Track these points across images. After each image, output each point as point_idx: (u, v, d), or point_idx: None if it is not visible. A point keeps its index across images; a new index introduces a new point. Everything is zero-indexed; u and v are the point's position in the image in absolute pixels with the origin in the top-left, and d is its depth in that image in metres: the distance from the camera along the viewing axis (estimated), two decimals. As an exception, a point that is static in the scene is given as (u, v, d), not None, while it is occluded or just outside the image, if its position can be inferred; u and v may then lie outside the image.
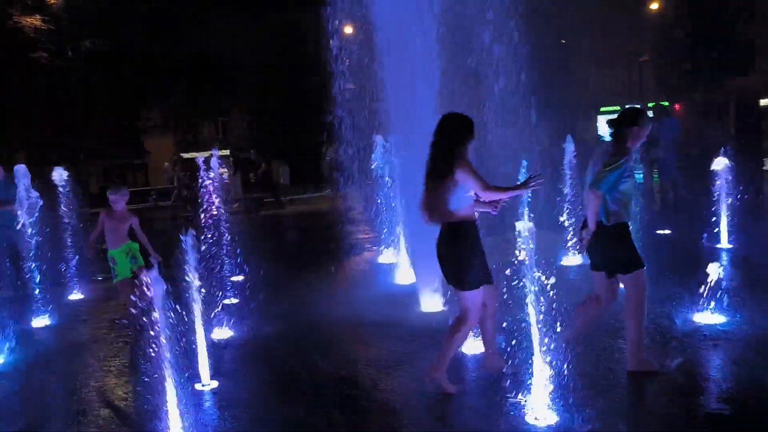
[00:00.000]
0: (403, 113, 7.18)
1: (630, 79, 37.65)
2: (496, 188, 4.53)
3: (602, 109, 38.96)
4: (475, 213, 4.65)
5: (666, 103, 38.04)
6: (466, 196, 4.53)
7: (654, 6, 32.88)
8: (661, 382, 4.76)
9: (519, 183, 5.24)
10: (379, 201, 9.28)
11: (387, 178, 8.89)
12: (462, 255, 4.53)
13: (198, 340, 5.25)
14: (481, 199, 4.59)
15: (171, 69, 31.63)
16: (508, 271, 4.26)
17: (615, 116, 4.90)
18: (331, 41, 8.23)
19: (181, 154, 34.36)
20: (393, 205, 8.96)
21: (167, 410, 4.08)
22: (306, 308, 7.79)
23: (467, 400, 4.77)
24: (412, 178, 5.58)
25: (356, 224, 12.98)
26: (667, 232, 10.69)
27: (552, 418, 4.09)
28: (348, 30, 8.74)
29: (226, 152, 36.62)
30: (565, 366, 4.14)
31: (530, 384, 4.18)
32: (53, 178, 8.87)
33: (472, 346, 5.44)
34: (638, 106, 5.05)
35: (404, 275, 8.53)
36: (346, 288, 8.75)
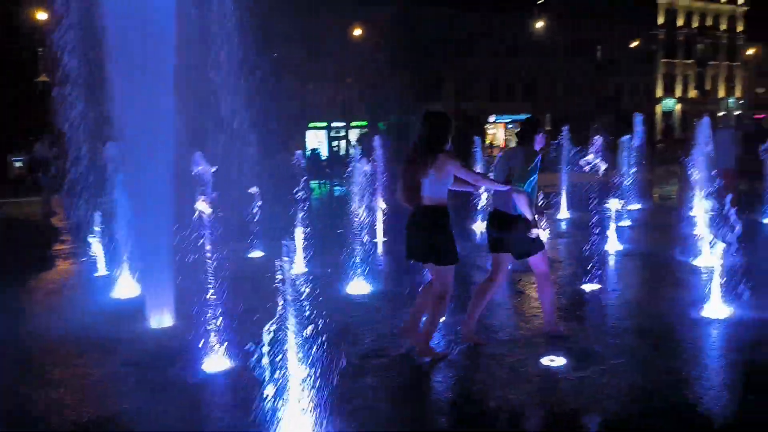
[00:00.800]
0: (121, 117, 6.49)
1: (336, 97, 40.10)
2: (486, 179, 5.37)
3: (311, 124, 40.96)
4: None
5: (365, 123, 41.85)
6: (447, 183, 5.01)
7: (358, 32, 35.70)
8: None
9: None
10: (100, 211, 8.36)
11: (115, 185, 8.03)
12: (443, 234, 5.02)
13: None
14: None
15: None
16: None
17: (521, 127, 5.61)
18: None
19: None
20: (116, 213, 8.08)
21: None
22: (8, 323, 6.64)
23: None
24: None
25: (67, 232, 11.59)
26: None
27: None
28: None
29: None
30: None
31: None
32: None
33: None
34: (535, 118, 5.83)
35: (126, 289, 7.79)
36: (54, 303, 7.70)
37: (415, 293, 5.65)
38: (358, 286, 7.65)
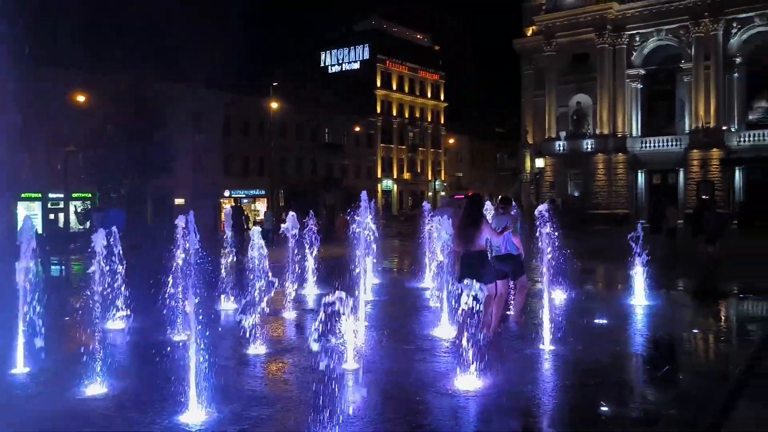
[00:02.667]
0: None
1: (55, 166, 36.81)
2: (498, 233, 8.45)
3: (23, 195, 36.76)
4: None
5: (89, 194, 39.03)
6: (485, 238, 8.19)
7: (81, 98, 33.60)
8: None
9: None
10: None
11: None
12: (486, 265, 8.22)
13: None
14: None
15: None
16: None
17: (506, 198, 9.58)
18: None
19: None
20: None
21: None
22: None
23: None
24: None
25: None
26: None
27: None
28: None
29: None
30: None
31: None
32: None
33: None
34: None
35: None
36: None
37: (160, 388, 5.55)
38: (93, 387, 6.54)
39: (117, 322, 9.45)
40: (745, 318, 11.01)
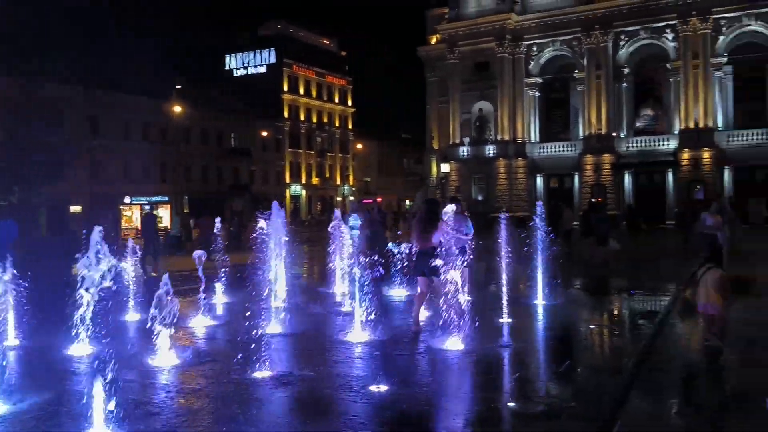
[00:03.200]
0: None
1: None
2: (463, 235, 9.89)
3: None
4: None
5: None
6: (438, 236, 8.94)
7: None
8: None
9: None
10: None
11: None
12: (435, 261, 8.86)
13: None
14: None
15: None
16: None
17: (457, 198, 10.45)
18: None
19: None
20: None
21: None
22: None
23: None
24: None
25: None
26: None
27: None
28: None
29: None
30: None
31: None
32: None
33: None
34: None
35: None
36: None
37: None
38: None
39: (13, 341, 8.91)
40: (636, 313, 11.78)
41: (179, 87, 45.89)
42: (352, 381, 6.93)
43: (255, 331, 7.61)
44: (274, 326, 9.52)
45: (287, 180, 71.24)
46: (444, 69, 51.08)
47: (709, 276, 8.14)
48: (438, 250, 8.91)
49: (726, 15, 41.63)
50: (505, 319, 9.82)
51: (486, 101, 48.57)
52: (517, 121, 48.05)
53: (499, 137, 48.02)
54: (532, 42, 47.74)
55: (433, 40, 53.00)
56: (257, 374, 7.01)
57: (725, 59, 42.54)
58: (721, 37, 42.19)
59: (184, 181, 52.54)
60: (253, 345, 7.27)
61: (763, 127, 41.65)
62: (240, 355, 7.34)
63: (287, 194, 70.98)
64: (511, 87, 47.60)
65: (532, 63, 48.23)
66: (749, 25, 41.53)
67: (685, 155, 42.35)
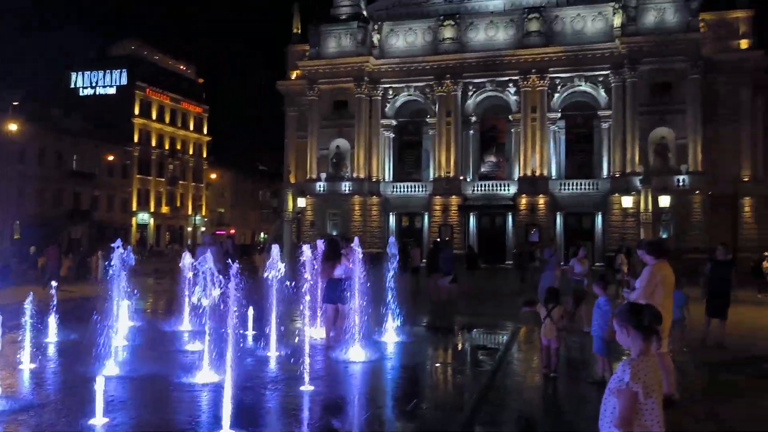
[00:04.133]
0: None
1: None
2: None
3: None
4: None
5: None
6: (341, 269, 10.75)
7: None
8: None
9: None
10: None
11: None
12: (344, 289, 10.42)
13: None
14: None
15: None
16: None
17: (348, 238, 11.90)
18: None
19: None
20: None
21: None
22: None
23: None
24: None
25: None
26: None
27: None
28: None
29: None
30: None
31: None
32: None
33: None
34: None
35: None
36: None
37: None
38: None
39: None
40: (479, 349, 12.55)
41: (16, 103, 42.33)
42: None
43: (86, 373, 7.17)
44: (111, 368, 8.95)
45: (134, 208, 67.62)
46: (304, 104, 51.60)
47: (554, 313, 9.06)
48: (342, 280, 10.48)
49: (561, 75, 46.06)
50: (354, 358, 10.05)
51: (343, 138, 49.60)
52: (373, 160, 49.48)
53: (355, 175, 49.09)
54: (388, 85, 49.68)
55: (294, 75, 53.45)
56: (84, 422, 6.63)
57: (559, 114, 46.92)
58: (557, 95, 46.55)
59: (14, 204, 48.16)
60: (80, 389, 6.81)
61: (590, 177, 46.29)
62: (65, 402, 6.89)
63: (133, 222, 67.34)
64: (367, 127, 49.06)
65: (389, 105, 50.13)
66: (580, 85, 46.26)
67: (523, 200, 45.83)
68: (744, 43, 44.89)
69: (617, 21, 44.48)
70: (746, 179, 44.43)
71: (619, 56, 43.97)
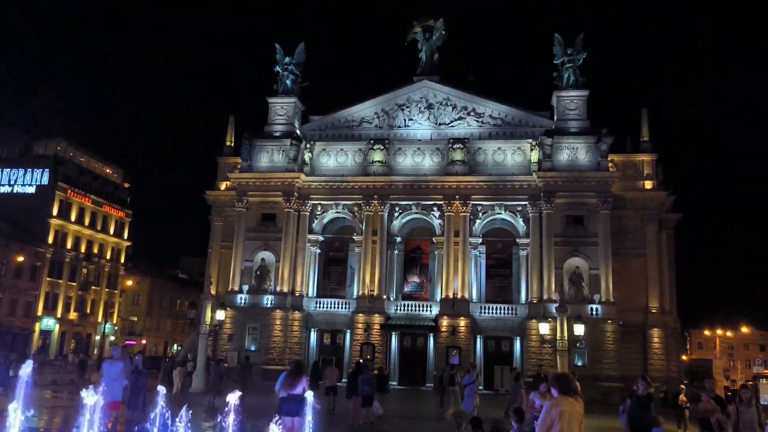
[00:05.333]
0: None
1: None
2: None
3: None
4: None
5: None
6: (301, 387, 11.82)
7: None
8: None
9: None
10: None
11: None
12: (303, 403, 11.32)
13: None
14: None
15: None
16: None
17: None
18: None
19: None
20: None
21: None
22: None
23: None
24: None
25: None
26: None
27: None
28: None
29: None
30: None
31: None
32: None
33: None
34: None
35: None
36: None
37: None
38: None
39: None
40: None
41: None
42: None
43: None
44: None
45: (39, 312, 63.73)
46: (231, 215, 51.47)
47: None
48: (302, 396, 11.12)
49: (482, 202, 48.25)
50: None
51: (269, 251, 49.34)
52: (297, 275, 49.19)
53: (278, 288, 48.47)
54: (317, 202, 50.48)
55: (223, 186, 53.62)
56: None
57: (480, 239, 48.63)
58: (478, 221, 48.48)
59: None
60: None
61: (509, 302, 47.44)
62: None
63: (36, 328, 63.25)
64: (294, 241, 49.17)
65: (316, 221, 50.69)
66: (500, 213, 48.46)
67: (445, 322, 46.19)
68: (648, 184, 48.71)
69: (534, 156, 47.63)
70: (654, 311, 46.66)
71: (536, 189, 46.69)
